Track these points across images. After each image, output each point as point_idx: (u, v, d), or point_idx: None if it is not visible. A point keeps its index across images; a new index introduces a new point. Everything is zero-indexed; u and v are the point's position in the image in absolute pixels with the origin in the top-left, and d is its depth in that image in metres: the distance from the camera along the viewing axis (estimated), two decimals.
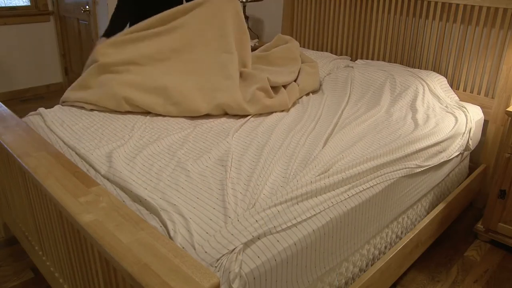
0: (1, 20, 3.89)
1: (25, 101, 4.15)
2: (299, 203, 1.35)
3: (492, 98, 2.37)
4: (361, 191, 1.52)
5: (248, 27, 3.55)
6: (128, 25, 2.46)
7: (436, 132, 1.97)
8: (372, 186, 1.56)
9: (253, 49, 2.93)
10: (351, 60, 2.88)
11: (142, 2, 2.49)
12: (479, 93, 2.42)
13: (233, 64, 2.19)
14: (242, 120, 1.97)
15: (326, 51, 3.04)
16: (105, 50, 2.13)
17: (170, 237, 1.16)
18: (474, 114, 2.25)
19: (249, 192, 1.37)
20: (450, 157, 2.01)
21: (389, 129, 1.96)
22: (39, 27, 4.16)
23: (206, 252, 1.12)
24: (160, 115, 2.02)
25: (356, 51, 2.88)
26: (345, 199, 1.45)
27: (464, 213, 2.46)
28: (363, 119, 2.02)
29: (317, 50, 3.11)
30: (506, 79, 2.24)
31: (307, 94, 2.40)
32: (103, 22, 3.65)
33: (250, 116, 2.03)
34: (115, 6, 2.41)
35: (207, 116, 2.04)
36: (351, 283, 1.59)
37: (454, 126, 2.07)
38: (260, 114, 2.09)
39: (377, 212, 1.60)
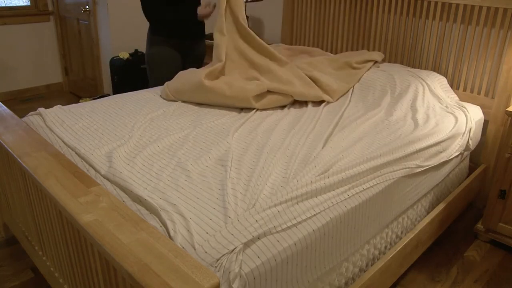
0: (1, 20, 3.89)
1: (25, 101, 4.15)
2: (299, 203, 1.35)
3: (492, 98, 2.37)
4: (361, 191, 1.52)
5: (248, 27, 3.54)
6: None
7: (436, 132, 1.97)
8: (372, 186, 1.56)
9: None
10: None
11: None
12: (479, 93, 2.42)
13: None
14: (242, 120, 1.97)
15: (326, 51, 3.04)
16: None
17: (170, 237, 1.16)
18: (474, 114, 2.25)
19: (249, 192, 1.37)
20: (450, 157, 2.01)
21: (389, 129, 1.96)
22: (39, 27, 4.16)
23: (206, 252, 1.12)
24: (161, 115, 2.02)
25: (356, 51, 2.87)
26: (345, 199, 1.45)
27: (464, 213, 2.46)
28: (363, 119, 2.02)
29: None
30: (506, 79, 2.24)
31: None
32: (103, 22, 3.66)
33: (249, 116, 2.03)
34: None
35: (207, 116, 2.04)
36: (351, 283, 1.59)
37: (454, 126, 2.07)
38: (260, 114, 2.09)
39: (377, 212, 1.60)
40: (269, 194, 1.38)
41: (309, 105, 2.22)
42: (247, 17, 3.44)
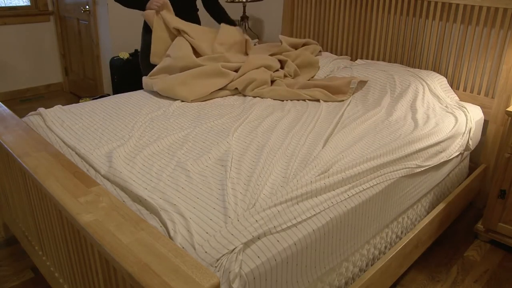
0: (1, 20, 3.89)
1: (25, 101, 4.15)
2: (299, 203, 1.35)
3: (492, 98, 2.37)
4: (361, 191, 1.52)
5: (248, 27, 3.55)
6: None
7: (436, 132, 1.97)
8: (372, 186, 1.56)
9: None
10: (351, 60, 2.88)
11: None
12: (479, 93, 2.42)
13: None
14: (242, 120, 1.97)
15: (326, 51, 3.04)
16: None
17: (170, 237, 1.16)
18: (474, 114, 2.25)
19: (249, 192, 1.37)
20: (450, 157, 2.01)
21: (389, 129, 1.96)
22: (39, 27, 4.16)
23: (206, 252, 1.12)
24: (161, 115, 2.02)
25: (356, 51, 2.88)
26: (345, 199, 1.45)
27: (464, 213, 2.46)
28: (363, 119, 2.02)
29: None
30: (506, 79, 2.24)
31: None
32: (103, 22, 3.66)
33: (249, 116, 2.03)
34: None
35: (207, 116, 2.04)
36: (351, 283, 1.59)
37: (454, 126, 2.07)
38: (261, 114, 2.09)
39: (377, 212, 1.60)
40: (269, 194, 1.38)
41: (309, 105, 2.22)
42: (247, 17, 3.44)
